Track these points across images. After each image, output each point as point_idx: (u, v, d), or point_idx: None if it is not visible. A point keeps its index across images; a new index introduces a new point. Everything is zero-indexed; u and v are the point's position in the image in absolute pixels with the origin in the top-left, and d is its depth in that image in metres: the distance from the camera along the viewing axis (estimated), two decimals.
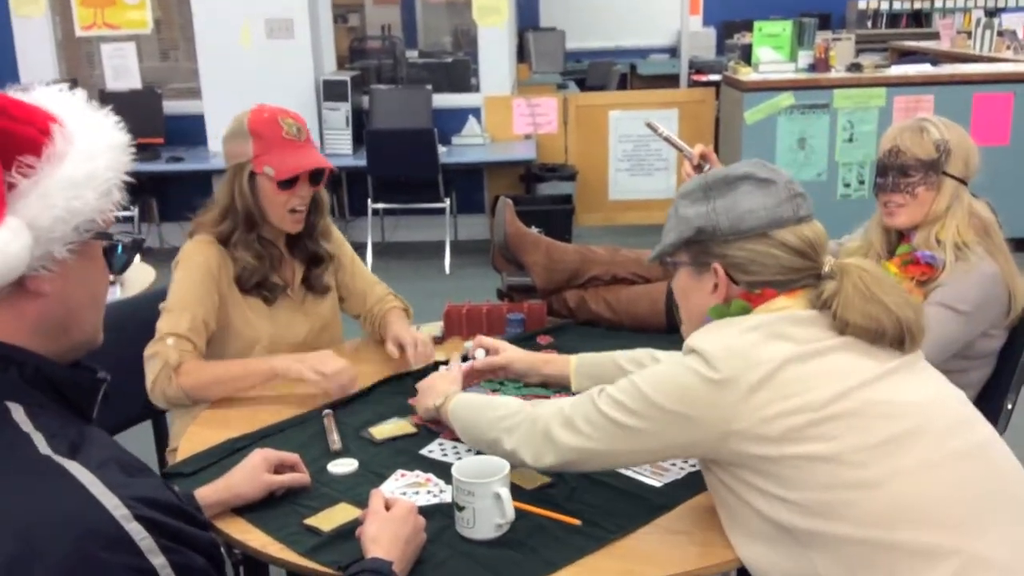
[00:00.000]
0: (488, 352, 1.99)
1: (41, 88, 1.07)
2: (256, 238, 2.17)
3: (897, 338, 1.36)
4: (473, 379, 1.98)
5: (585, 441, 1.43)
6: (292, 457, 1.63)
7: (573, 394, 1.71)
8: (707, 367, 1.33)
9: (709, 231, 1.42)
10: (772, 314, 1.38)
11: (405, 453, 1.74)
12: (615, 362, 1.85)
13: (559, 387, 1.94)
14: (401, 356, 2.17)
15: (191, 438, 1.86)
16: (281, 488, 1.59)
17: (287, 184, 2.11)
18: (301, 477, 1.61)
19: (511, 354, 1.96)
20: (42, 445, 0.95)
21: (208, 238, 2.15)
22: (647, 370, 1.45)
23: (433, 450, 1.75)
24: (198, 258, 2.12)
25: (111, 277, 1.13)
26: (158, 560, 0.92)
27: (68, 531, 0.89)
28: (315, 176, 2.17)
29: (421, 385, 1.86)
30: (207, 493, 1.53)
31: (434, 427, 1.81)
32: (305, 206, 2.18)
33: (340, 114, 5.96)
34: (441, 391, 1.75)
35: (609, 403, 1.42)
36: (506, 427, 1.53)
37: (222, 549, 1.06)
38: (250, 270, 2.16)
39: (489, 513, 1.43)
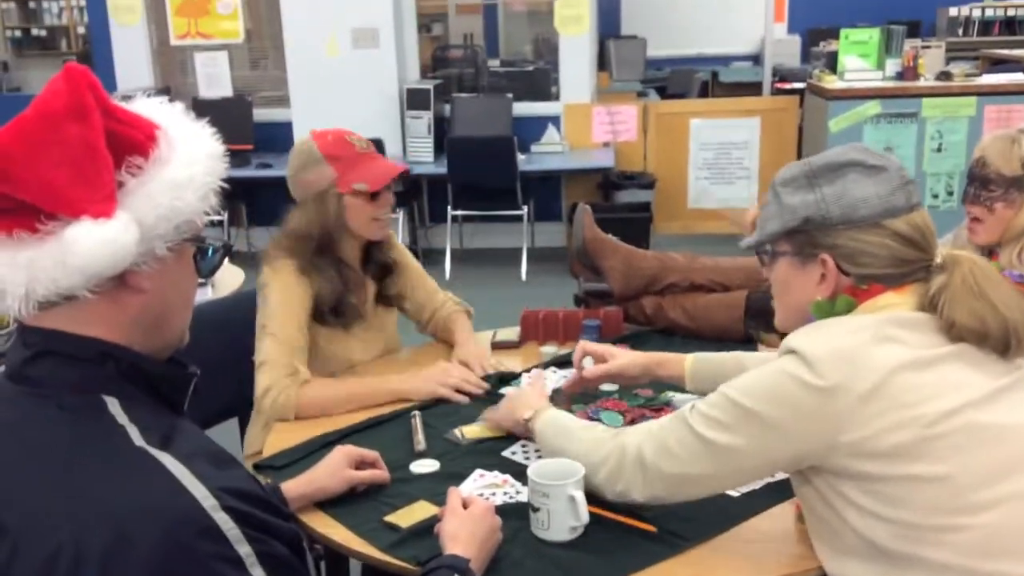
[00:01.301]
0: (596, 360, 1.90)
1: (143, 98, 1.13)
2: (333, 261, 2.15)
3: (1002, 341, 1.28)
4: (576, 388, 1.91)
5: (683, 466, 1.37)
6: (372, 454, 1.68)
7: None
8: (811, 373, 1.25)
9: (817, 221, 1.34)
10: (879, 314, 1.31)
11: (487, 454, 1.77)
12: (739, 362, 1.74)
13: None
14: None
15: (279, 434, 1.92)
16: (362, 484, 1.63)
17: (377, 195, 2.15)
18: (381, 474, 1.66)
19: (622, 360, 1.87)
20: (136, 437, 0.99)
21: (293, 265, 2.12)
22: (739, 380, 1.35)
23: (516, 452, 1.77)
24: (293, 287, 2.10)
25: (201, 280, 1.19)
26: (244, 549, 0.95)
27: (160, 520, 0.92)
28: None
29: (508, 397, 1.82)
30: (291, 487, 1.58)
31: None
32: (389, 213, 2.21)
33: (422, 122, 6.05)
34: (530, 404, 1.69)
35: (703, 421, 1.35)
36: (594, 461, 1.47)
37: (304, 542, 1.09)
38: (327, 295, 2.13)
39: (563, 515, 1.44)
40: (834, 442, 1.25)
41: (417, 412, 1.94)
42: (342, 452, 1.66)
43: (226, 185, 1.12)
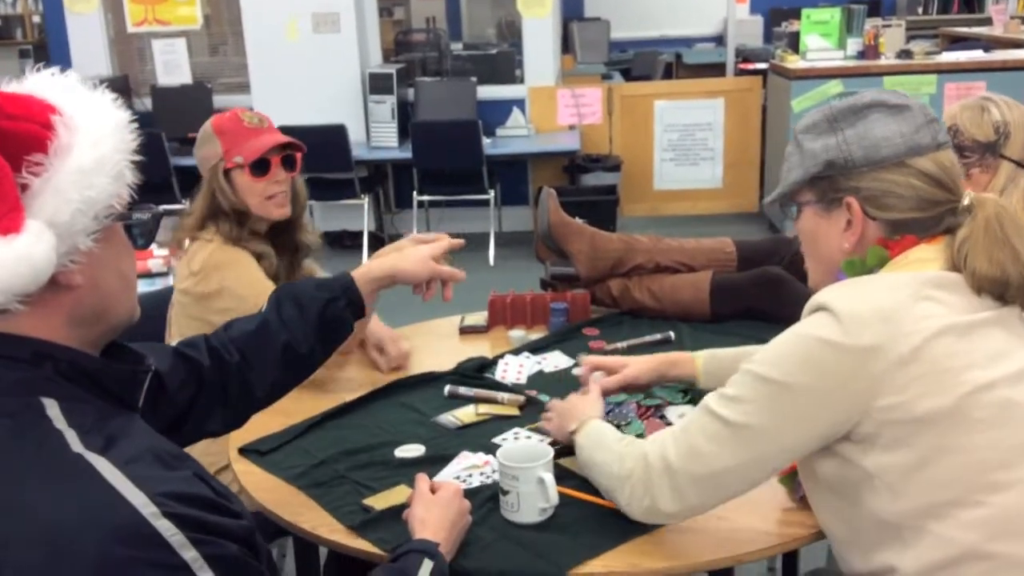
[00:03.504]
0: (607, 372, 1.80)
1: (34, 76, 1.05)
2: (251, 239, 2.13)
3: (1022, 293, 1.24)
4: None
5: (715, 461, 1.27)
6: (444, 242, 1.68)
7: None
8: (843, 332, 1.19)
9: (840, 164, 1.29)
10: (917, 272, 1.25)
11: (476, 438, 1.75)
12: (751, 355, 1.71)
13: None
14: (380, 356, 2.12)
15: (254, 426, 1.90)
16: (439, 280, 1.65)
17: (260, 169, 2.10)
18: (459, 273, 1.67)
19: (634, 369, 1.79)
20: (74, 442, 0.94)
21: (224, 240, 2.09)
22: (761, 352, 1.27)
23: (506, 437, 1.75)
24: (244, 259, 2.08)
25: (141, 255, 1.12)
26: (190, 554, 0.91)
27: (96, 531, 0.88)
28: (288, 162, 2.16)
29: (558, 407, 1.68)
30: (373, 267, 1.58)
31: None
32: (284, 191, 2.15)
33: (386, 107, 6.01)
34: (578, 415, 1.57)
35: (727, 405, 1.27)
36: (618, 474, 1.38)
37: (258, 536, 1.05)
38: (270, 261, 2.13)
39: (533, 497, 1.44)
40: (868, 407, 1.19)
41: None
42: (416, 240, 1.66)
43: (141, 157, 1.05)
